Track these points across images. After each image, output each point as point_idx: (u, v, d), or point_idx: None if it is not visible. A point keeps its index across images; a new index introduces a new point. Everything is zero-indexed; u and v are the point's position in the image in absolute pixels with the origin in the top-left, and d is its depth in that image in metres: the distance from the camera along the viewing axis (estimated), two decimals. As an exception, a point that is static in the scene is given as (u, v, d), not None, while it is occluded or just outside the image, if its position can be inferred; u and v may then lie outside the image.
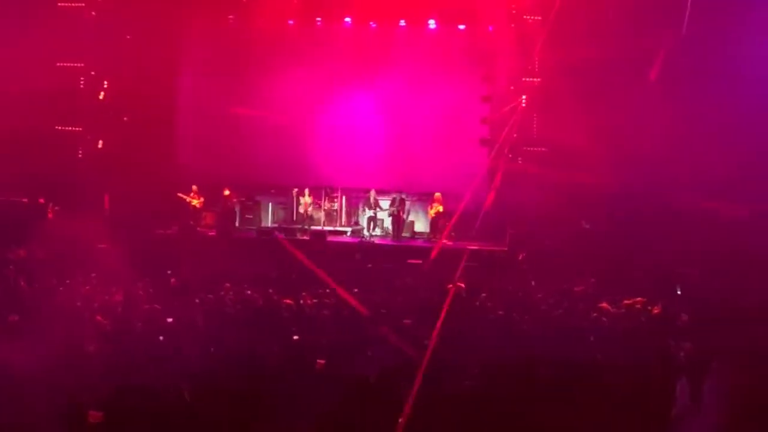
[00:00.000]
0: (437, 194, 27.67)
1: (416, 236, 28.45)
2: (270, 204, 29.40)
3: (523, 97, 27.82)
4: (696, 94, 24.40)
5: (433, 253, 23.56)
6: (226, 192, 28.31)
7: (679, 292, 20.04)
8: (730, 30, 24.37)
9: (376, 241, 27.62)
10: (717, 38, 24.45)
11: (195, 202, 28.22)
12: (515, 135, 28.10)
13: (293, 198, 28.90)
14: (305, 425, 10.68)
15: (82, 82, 28.61)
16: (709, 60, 24.68)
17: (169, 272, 20.52)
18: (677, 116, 24.05)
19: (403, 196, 28.08)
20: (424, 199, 28.63)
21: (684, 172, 23.92)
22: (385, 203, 28.32)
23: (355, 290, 18.65)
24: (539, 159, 27.51)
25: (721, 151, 23.64)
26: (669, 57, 24.85)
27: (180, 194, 28.20)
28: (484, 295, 18.56)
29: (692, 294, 19.67)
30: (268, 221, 29.26)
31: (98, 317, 15.47)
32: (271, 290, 18.35)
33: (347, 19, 29.06)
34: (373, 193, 28.11)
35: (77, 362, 12.47)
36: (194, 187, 28.30)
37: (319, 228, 28.28)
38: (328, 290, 18.72)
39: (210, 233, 27.48)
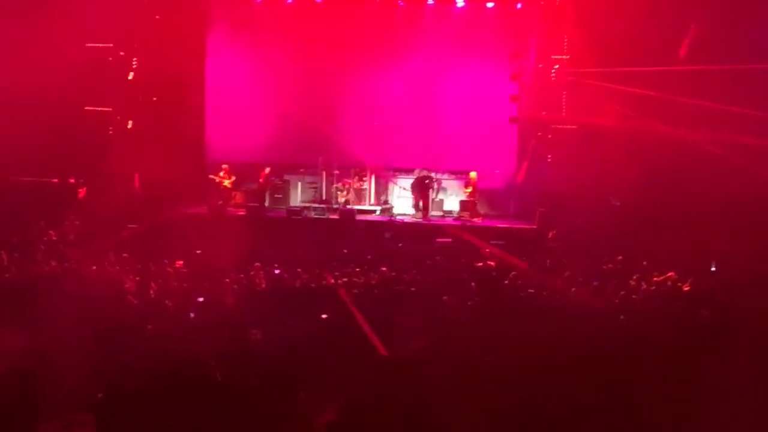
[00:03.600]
0: (473, 174, 27.59)
1: (446, 215, 28.36)
2: (299, 183, 29.37)
3: (553, 72, 27.72)
4: (725, 72, 24.18)
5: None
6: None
7: (713, 269, 19.81)
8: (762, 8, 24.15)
9: (405, 220, 27.57)
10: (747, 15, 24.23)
11: (226, 182, 28.23)
12: (544, 113, 28.04)
13: (323, 177, 28.89)
14: (334, 403, 10.69)
15: (111, 62, 28.62)
16: (740, 39, 24.46)
17: (198, 252, 20.59)
18: (706, 94, 23.85)
19: (432, 175, 28.00)
20: (453, 178, 28.55)
21: (714, 150, 23.74)
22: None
23: (383, 269, 18.71)
24: (568, 137, 27.39)
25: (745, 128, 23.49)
26: (699, 34, 24.67)
27: (211, 176, 28.24)
28: (514, 273, 18.53)
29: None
30: (297, 201, 29.24)
31: (129, 297, 15.56)
32: (299, 269, 18.40)
33: (376, -3, 29.06)
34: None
35: (106, 342, 12.52)
36: (224, 166, 28.32)
37: (348, 207, 28.25)
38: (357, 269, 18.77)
39: (239, 212, 27.50)
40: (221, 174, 28.15)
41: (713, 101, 23.64)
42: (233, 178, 28.35)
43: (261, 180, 28.35)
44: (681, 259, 19.60)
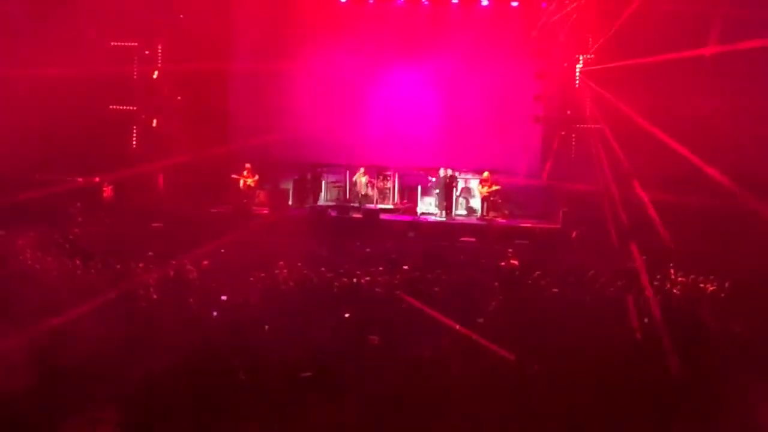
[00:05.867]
0: (485, 173, 27.55)
1: (470, 214, 28.32)
2: (323, 182, 29.38)
3: (578, 71, 27.66)
4: (750, 69, 24.08)
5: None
6: (247, 165, 28.41)
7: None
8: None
9: (429, 219, 27.55)
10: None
11: (249, 181, 28.26)
12: (569, 112, 27.97)
13: (346, 176, 28.89)
14: (358, 400, 10.71)
15: (136, 61, 28.70)
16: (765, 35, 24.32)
17: (222, 251, 20.64)
18: (732, 92, 23.76)
19: (455, 173, 27.97)
20: (477, 177, 28.49)
21: (740, 149, 23.61)
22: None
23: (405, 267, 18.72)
24: (593, 136, 27.30)
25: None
26: (725, 31, 24.57)
27: (234, 175, 28.28)
28: (537, 273, 18.49)
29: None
30: (321, 200, 29.25)
31: (154, 295, 15.62)
32: (323, 268, 18.42)
33: (400, -4, 29.03)
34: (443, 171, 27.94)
35: (132, 340, 12.58)
36: (247, 165, 28.34)
37: (372, 206, 28.24)
38: (381, 268, 18.77)
39: (263, 211, 27.53)
40: (244, 173, 28.18)
41: (740, 96, 23.59)
42: (256, 177, 28.35)
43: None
44: (706, 259, 19.53)
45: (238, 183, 28.16)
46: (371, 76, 29.49)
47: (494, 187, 27.38)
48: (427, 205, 28.35)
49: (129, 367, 11.18)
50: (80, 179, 27.14)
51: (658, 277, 17.99)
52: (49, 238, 21.43)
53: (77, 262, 18.59)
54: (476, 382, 10.94)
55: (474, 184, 28.55)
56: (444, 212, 27.62)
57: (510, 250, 21.65)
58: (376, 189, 28.74)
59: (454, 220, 27.47)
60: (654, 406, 10.82)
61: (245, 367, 11.22)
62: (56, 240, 21.33)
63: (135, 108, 28.95)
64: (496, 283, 17.76)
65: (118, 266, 18.32)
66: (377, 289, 17.00)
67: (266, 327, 13.89)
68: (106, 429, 10.38)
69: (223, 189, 28.37)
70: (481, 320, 14.61)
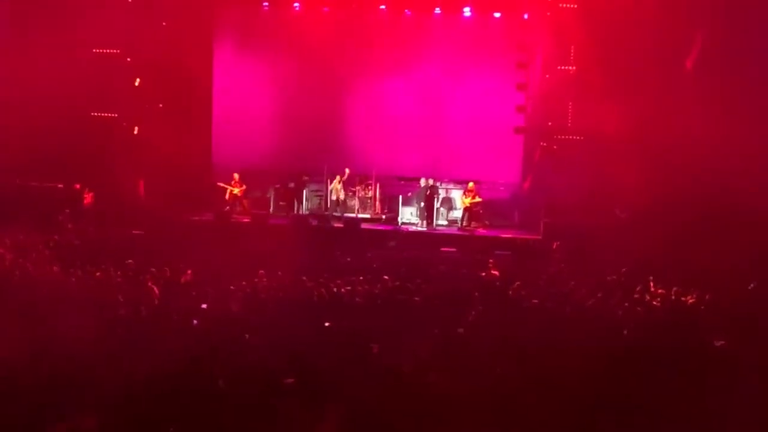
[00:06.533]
0: (471, 184, 27.60)
1: (451, 224, 28.37)
2: (305, 191, 29.37)
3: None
4: (733, 83, 24.19)
5: None
6: (235, 176, 28.44)
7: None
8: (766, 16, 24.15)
9: (410, 228, 27.57)
10: (754, 25, 24.24)
11: (236, 191, 28.28)
12: (550, 123, 28.05)
13: (327, 185, 28.91)
14: (338, 410, 10.69)
15: (118, 69, 28.64)
16: (747, 49, 24.46)
17: (203, 258, 20.60)
18: (712, 105, 23.85)
19: (437, 183, 28.01)
20: (459, 187, 28.53)
21: (720, 162, 23.70)
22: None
23: (386, 277, 18.72)
24: (574, 147, 27.39)
25: (752, 139, 23.50)
26: (705, 45, 24.73)
27: (220, 183, 28.31)
28: (518, 283, 18.52)
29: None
30: (303, 208, 29.25)
31: (133, 303, 15.58)
32: (304, 277, 18.41)
33: (382, 7, 28.97)
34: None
35: (113, 348, 12.54)
36: (236, 176, 28.39)
37: (352, 215, 28.26)
38: (361, 278, 18.77)
39: (244, 220, 27.51)
40: (233, 182, 28.21)
41: (720, 109, 23.68)
42: (244, 187, 28.39)
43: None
44: (686, 271, 19.59)
45: (224, 191, 28.17)
46: (354, 85, 29.56)
47: (477, 199, 27.41)
48: (408, 215, 28.37)
49: (108, 376, 11.14)
50: (61, 185, 27.08)
51: (638, 288, 18.02)
52: (29, 244, 21.38)
53: (55, 269, 18.55)
54: (457, 392, 10.93)
55: (455, 194, 28.59)
56: (425, 222, 27.64)
57: (491, 260, 21.69)
58: (357, 198, 28.74)
59: (435, 230, 27.49)
60: (633, 418, 10.83)
61: (225, 376, 11.20)
62: (36, 246, 21.27)
63: (116, 115, 28.92)
64: (477, 294, 17.77)
65: (98, 274, 18.28)
66: (357, 299, 16.99)
67: (246, 336, 13.85)
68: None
69: (205, 197, 28.38)
70: (461, 330, 14.61)
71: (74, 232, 24.32)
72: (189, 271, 18.65)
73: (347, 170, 28.41)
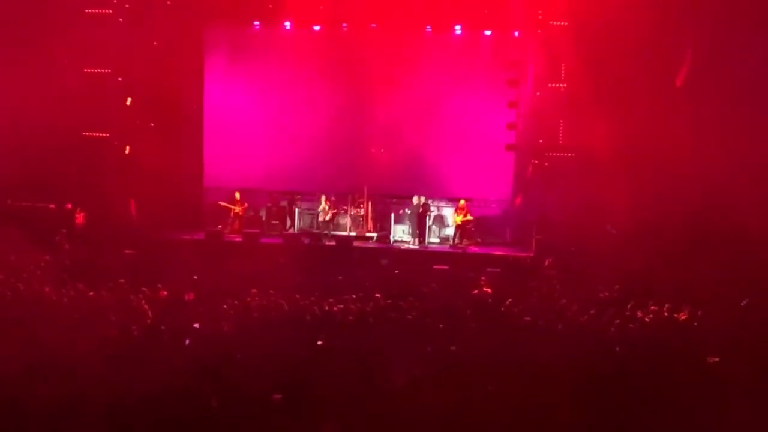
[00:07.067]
0: (462, 201, 27.64)
1: (443, 242, 28.40)
2: (297, 210, 29.38)
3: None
4: (722, 99, 24.26)
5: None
6: (237, 195, 28.63)
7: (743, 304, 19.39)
8: (757, 33, 24.24)
9: (402, 247, 27.58)
10: (743, 42, 24.34)
11: (237, 209, 28.37)
12: (541, 141, 28.10)
13: (319, 204, 28.94)
14: (331, 429, 10.68)
15: (109, 88, 28.62)
16: (736, 65, 24.55)
17: (195, 277, 20.57)
18: (703, 121, 23.93)
19: (428, 201, 28.04)
20: (451, 205, 28.56)
21: (711, 178, 23.76)
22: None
23: (378, 295, 18.72)
24: (565, 165, 27.44)
25: (741, 157, 23.61)
26: (695, 62, 24.82)
27: (222, 202, 28.42)
28: (510, 300, 18.53)
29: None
30: (295, 227, 29.25)
31: (125, 323, 15.55)
32: (297, 296, 18.39)
33: (373, 25, 28.98)
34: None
35: (104, 368, 12.51)
36: (237, 195, 28.56)
37: (344, 234, 28.28)
38: (354, 296, 18.76)
39: (236, 239, 27.50)
40: (235, 201, 28.37)
41: (710, 125, 23.77)
42: (246, 205, 28.57)
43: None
44: (679, 287, 19.59)
45: (228, 211, 28.37)
46: (344, 103, 29.51)
47: (468, 217, 27.44)
48: (400, 233, 28.39)
49: (100, 395, 11.11)
50: (52, 206, 27.03)
51: (631, 305, 18.02)
52: (21, 264, 21.33)
53: (47, 289, 18.50)
54: (449, 410, 10.93)
55: (447, 211, 28.63)
56: (417, 240, 27.66)
57: (483, 278, 21.70)
58: (349, 216, 28.76)
59: (427, 247, 27.50)
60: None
61: (217, 395, 11.18)
62: (28, 267, 21.22)
63: (108, 135, 28.90)
64: (469, 311, 17.77)
65: (90, 293, 18.25)
66: (350, 317, 16.98)
67: (238, 355, 13.83)
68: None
69: (196, 216, 28.45)
70: (453, 348, 14.61)
71: (67, 252, 24.27)
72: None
73: (325, 197, 28.56)
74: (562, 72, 27.61)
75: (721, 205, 23.10)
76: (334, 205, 28.55)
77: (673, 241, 23.10)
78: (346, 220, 28.88)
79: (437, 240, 28.53)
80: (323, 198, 28.47)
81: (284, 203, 29.26)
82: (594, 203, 25.40)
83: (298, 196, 29.48)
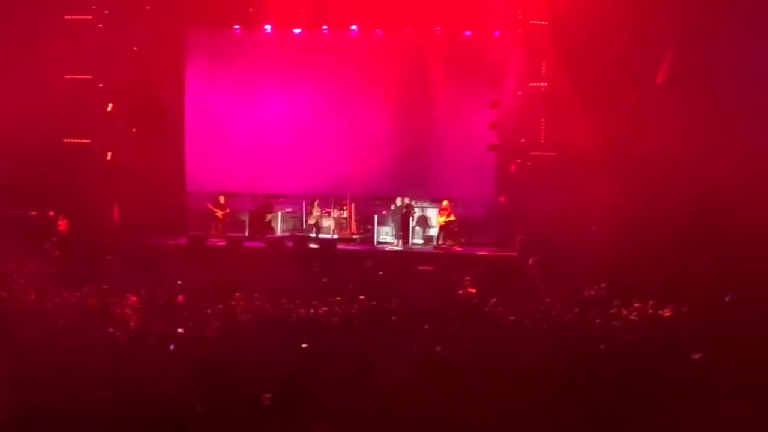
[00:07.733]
0: (445, 202, 27.67)
1: (427, 243, 28.43)
2: (279, 213, 29.36)
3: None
4: (704, 96, 24.31)
5: None
6: (221, 198, 28.67)
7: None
8: (737, 30, 24.31)
9: (386, 248, 27.60)
10: (724, 39, 24.40)
11: (219, 213, 28.39)
12: (523, 140, 28.11)
13: (303, 207, 28.90)
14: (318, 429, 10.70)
15: (90, 94, 28.49)
16: (718, 62, 24.61)
17: (179, 282, 20.54)
18: (685, 119, 23.99)
19: (412, 202, 28.07)
20: (434, 206, 28.59)
21: (694, 175, 23.83)
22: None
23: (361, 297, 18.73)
24: (548, 164, 27.45)
25: (724, 154, 23.67)
26: (676, 59, 24.88)
27: (210, 205, 28.55)
28: (494, 300, 18.54)
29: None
30: (278, 230, 29.24)
31: (110, 328, 15.51)
32: (283, 300, 18.38)
33: (353, 27, 28.98)
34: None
35: (90, 374, 12.47)
36: (221, 199, 28.57)
37: (328, 236, 28.28)
38: (338, 298, 18.76)
39: (220, 243, 27.46)
40: (219, 205, 28.38)
41: (692, 123, 23.82)
42: (227, 210, 28.57)
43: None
44: (663, 284, 19.63)
45: (214, 214, 28.49)
46: (326, 105, 29.54)
47: (451, 217, 27.48)
48: (384, 234, 28.40)
49: (85, 401, 11.09)
50: (34, 213, 26.92)
51: (615, 303, 18.05)
52: (3, 272, 21.27)
53: (31, 296, 18.45)
54: (435, 411, 10.93)
55: (430, 212, 28.66)
56: (401, 241, 27.68)
57: (467, 278, 21.72)
58: (332, 219, 28.77)
59: (410, 249, 27.51)
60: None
61: (203, 399, 11.16)
62: (11, 274, 21.16)
63: (89, 141, 28.75)
64: (454, 311, 17.78)
65: (73, 300, 18.20)
66: (335, 319, 16.97)
67: (223, 359, 13.80)
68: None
69: (179, 221, 28.43)
70: (439, 348, 14.61)
71: (50, 259, 24.19)
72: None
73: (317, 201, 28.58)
74: (543, 71, 27.61)
75: (705, 202, 23.16)
76: (323, 209, 28.64)
77: (657, 238, 23.17)
78: (330, 223, 28.86)
79: (421, 241, 28.55)
80: (316, 203, 28.63)
81: (269, 215, 29.23)
82: (577, 201, 25.43)
83: (282, 199, 29.45)
